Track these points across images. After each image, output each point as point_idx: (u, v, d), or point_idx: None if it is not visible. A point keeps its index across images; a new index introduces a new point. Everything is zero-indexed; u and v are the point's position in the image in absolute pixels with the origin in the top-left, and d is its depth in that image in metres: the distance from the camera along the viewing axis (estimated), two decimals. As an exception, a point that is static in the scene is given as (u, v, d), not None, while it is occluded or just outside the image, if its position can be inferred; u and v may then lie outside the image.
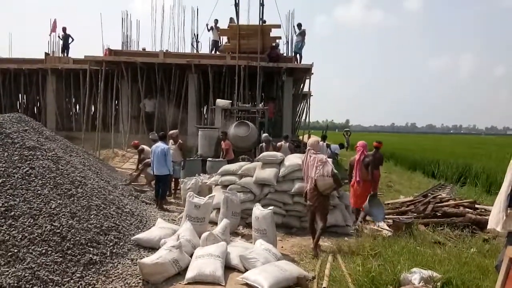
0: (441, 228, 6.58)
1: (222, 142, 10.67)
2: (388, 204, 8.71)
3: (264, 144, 9.94)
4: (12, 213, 4.38)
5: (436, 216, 7.16)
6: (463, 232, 6.35)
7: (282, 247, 5.69)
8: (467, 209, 7.16)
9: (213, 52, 16.68)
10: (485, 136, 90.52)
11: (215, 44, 16.69)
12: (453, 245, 5.67)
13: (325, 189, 5.36)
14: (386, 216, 7.39)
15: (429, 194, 8.46)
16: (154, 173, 8.19)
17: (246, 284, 4.22)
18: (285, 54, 16.23)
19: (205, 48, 18.14)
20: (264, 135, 10.49)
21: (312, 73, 15.76)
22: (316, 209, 5.46)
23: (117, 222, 5.38)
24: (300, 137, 17.88)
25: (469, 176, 12.91)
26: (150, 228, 5.79)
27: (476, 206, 7.57)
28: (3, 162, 5.07)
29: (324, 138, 12.81)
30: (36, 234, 4.24)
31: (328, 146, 13.10)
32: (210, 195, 6.36)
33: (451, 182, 12.57)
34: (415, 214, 7.31)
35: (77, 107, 18.10)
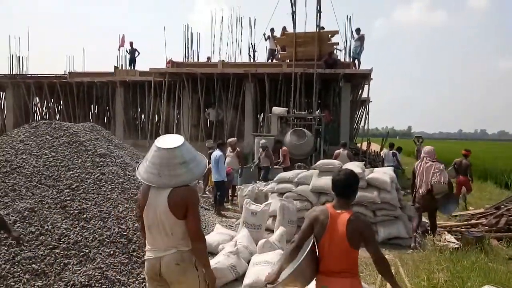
0: (517, 243, 6.03)
1: (280, 149, 10.69)
2: (457, 216, 8.16)
3: (261, 150, 9.87)
4: (85, 215, 4.73)
5: (511, 230, 6.58)
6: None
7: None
8: (546, 224, 6.51)
9: (269, 60, 16.85)
10: None
11: (271, 53, 16.87)
12: (530, 262, 5.17)
13: (438, 193, 6.13)
14: (454, 229, 6.94)
15: (502, 206, 7.78)
16: (212, 179, 8.49)
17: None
18: (342, 60, 15.97)
19: (261, 57, 18.40)
20: (261, 141, 10.31)
21: (371, 79, 15.34)
22: (426, 209, 6.37)
23: (178, 226, 5.58)
24: (359, 145, 17.41)
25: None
26: (208, 233, 5.94)
27: (558, 220, 6.84)
28: (77, 168, 5.51)
29: (391, 146, 13.25)
30: (105, 236, 4.53)
31: (394, 154, 12.62)
32: (267, 202, 6.40)
33: (527, 194, 11.49)
34: (487, 227, 6.77)
35: (142, 116, 19.19)
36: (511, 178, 13.63)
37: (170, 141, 2.54)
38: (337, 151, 9.93)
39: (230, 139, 10.19)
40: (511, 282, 4.11)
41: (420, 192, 6.20)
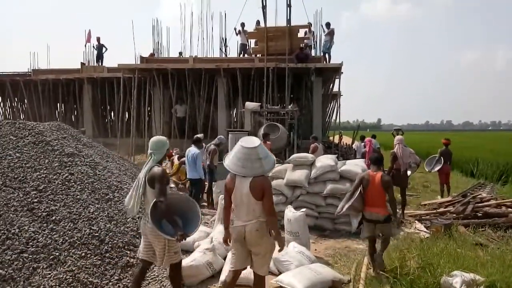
0: (483, 229, 6.29)
1: (266, 142, 10.42)
2: (425, 205, 8.43)
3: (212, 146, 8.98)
4: (54, 217, 4.56)
5: (477, 216, 6.86)
6: (506, 233, 6.05)
7: (315, 249, 5.62)
8: (509, 209, 6.81)
9: (241, 55, 16.79)
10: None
11: (243, 48, 16.80)
12: (496, 247, 5.40)
13: (413, 172, 8.84)
14: (424, 217, 7.17)
15: (469, 194, 8.11)
16: (187, 176, 8.35)
17: (280, 287, 4.19)
18: (313, 55, 16.11)
19: (233, 52, 18.32)
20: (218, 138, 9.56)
21: (342, 73, 15.56)
22: (404, 185, 7.86)
23: (152, 225, 5.49)
24: (331, 138, 17.66)
25: (511, 174, 12.29)
26: (184, 231, 5.87)
27: (520, 205, 7.19)
28: (44, 168, 5.30)
29: (362, 138, 13.27)
30: (76, 238, 4.39)
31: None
32: (242, 197, 6.38)
33: (491, 181, 12.00)
34: (454, 215, 7.03)
35: (112, 114, 18.72)
36: (477, 167, 14.17)
37: (250, 142, 3.38)
38: (313, 145, 10.01)
39: (198, 135, 10.03)
40: (478, 267, 4.28)
41: (401, 171, 7.59)
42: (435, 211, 7.71)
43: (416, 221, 7.08)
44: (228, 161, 3.41)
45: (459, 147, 21.07)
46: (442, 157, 9.42)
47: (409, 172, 8.36)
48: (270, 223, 3.34)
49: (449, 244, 5.22)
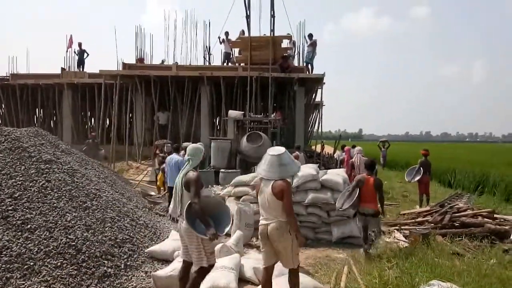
0: (459, 238, 6.41)
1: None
2: (404, 214, 8.56)
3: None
4: (29, 226, 4.44)
5: (454, 226, 7.00)
6: (482, 242, 6.18)
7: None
8: (485, 219, 6.98)
9: (225, 64, 16.83)
10: (502, 144, 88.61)
11: (227, 56, 16.84)
12: (472, 256, 5.52)
13: None
14: (403, 227, 7.26)
15: (446, 204, 8.28)
16: (168, 185, 8.24)
17: (261, 297, 4.16)
18: (296, 65, 16.28)
19: (217, 60, 18.34)
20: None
21: (324, 83, 15.76)
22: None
23: (131, 234, 5.40)
24: (313, 147, 17.79)
25: (487, 185, 12.61)
26: (164, 240, 5.79)
27: (495, 215, 7.37)
28: (20, 175, 5.16)
29: (343, 148, 13.60)
30: (51, 247, 4.28)
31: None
32: (223, 206, 6.35)
33: (468, 191, 12.29)
34: (432, 224, 7.16)
35: (92, 120, 18.41)
36: (454, 177, 14.48)
37: (277, 150, 3.93)
38: (294, 154, 10.04)
39: (185, 143, 10.04)
40: (455, 276, 4.36)
41: None
42: (413, 220, 7.84)
43: (395, 230, 7.17)
44: (259, 167, 3.96)
45: (438, 157, 21.54)
46: (421, 168, 9.60)
47: None
48: (289, 222, 3.73)
49: (427, 254, 5.31)
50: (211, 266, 3.83)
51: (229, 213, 4.01)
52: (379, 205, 5.85)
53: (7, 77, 17.87)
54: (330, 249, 6.18)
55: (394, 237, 6.65)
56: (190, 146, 4.09)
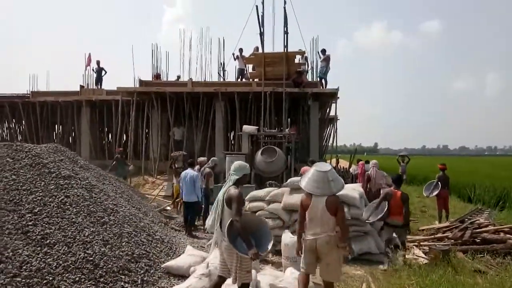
0: (481, 255, 6.24)
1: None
2: (423, 230, 8.38)
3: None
4: (48, 241, 4.51)
5: (475, 242, 6.81)
6: (505, 259, 6.00)
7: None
8: (508, 235, 6.78)
9: (239, 79, 17.01)
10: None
11: (241, 72, 17.02)
12: (494, 273, 5.35)
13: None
14: (422, 244, 7.11)
15: (467, 219, 8.08)
16: (184, 200, 8.29)
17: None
18: (310, 80, 16.35)
19: (231, 76, 18.55)
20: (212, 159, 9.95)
21: (338, 97, 15.75)
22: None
23: (147, 249, 5.43)
24: (328, 161, 17.69)
25: (508, 199, 12.28)
26: (179, 255, 5.79)
27: (518, 231, 7.15)
28: (40, 191, 5.27)
29: (358, 161, 13.50)
30: (70, 262, 4.33)
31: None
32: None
33: (488, 207, 11.97)
34: (452, 240, 6.98)
35: (110, 136, 18.72)
36: (474, 192, 14.15)
37: (323, 167, 4.18)
38: (304, 167, 9.94)
39: (201, 158, 10.14)
40: (477, 293, 4.23)
41: (373, 191, 9.07)
42: (433, 236, 7.66)
43: (414, 247, 7.02)
44: (305, 183, 4.14)
45: (456, 172, 21.12)
46: (439, 182, 9.44)
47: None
48: (342, 235, 3.96)
49: (448, 271, 5.18)
50: (245, 285, 3.84)
51: (269, 231, 4.04)
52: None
53: (28, 95, 18.38)
54: (348, 266, 6.07)
55: (414, 253, 6.51)
56: (236, 162, 4.19)
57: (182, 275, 5.08)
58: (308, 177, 4.14)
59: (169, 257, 5.70)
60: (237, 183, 3.97)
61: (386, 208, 6.16)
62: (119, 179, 9.04)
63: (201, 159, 10.14)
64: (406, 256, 6.21)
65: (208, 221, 4.12)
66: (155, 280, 4.85)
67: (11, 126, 19.34)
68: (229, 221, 3.73)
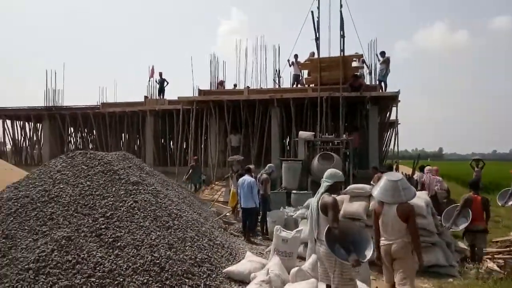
0: None
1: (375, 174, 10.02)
2: (497, 242, 7.76)
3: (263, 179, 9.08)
4: (119, 243, 4.80)
5: (559, 256, 6.18)
6: None
7: (376, 287, 5.35)
8: None
9: (294, 85, 16.98)
10: None
11: (296, 78, 16.99)
12: None
13: (441, 198, 9.79)
14: (496, 256, 6.59)
15: (548, 231, 7.36)
16: (241, 206, 8.42)
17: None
18: (368, 83, 15.89)
19: (286, 82, 18.59)
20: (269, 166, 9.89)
21: (399, 101, 15.12)
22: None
23: (209, 254, 5.57)
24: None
25: None
26: (239, 260, 5.88)
27: None
28: (111, 196, 5.64)
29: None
30: (138, 264, 4.57)
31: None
32: (298, 229, 6.29)
33: None
34: (532, 254, 6.39)
35: (171, 143, 19.57)
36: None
37: (395, 176, 4.31)
38: (377, 174, 9.54)
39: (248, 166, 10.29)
40: None
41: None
42: (508, 249, 7.07)
43: (488, 260, 6.51)
44: (377, 192, 4.25)
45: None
46: None
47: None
48: (414, 243, 3.98)
49: (528, 287, 4.74)
50: None
51: (369, 238, 4.05)
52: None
53: (98, 106, 19.80)
54: (415, 279, 5.78)
55: (487, 267, 6.04)
56: (329, 170, 4.25)
57: (242, 281, 5.15)
58: (380, 186, 4.25)
59: (230, 262, 5.81)
60: (329, 190, 4.02)
61: (470, 216, 6.19)
62: (181, 185, 9.39)
63: (249, 167, 10.18)
64: (479, 270, 5.78)
65: (306, 230, 4.15)
66: (217, 285, 4.97)
67: (83, 135, 20.93)
68: (327, 227, 3.79)
